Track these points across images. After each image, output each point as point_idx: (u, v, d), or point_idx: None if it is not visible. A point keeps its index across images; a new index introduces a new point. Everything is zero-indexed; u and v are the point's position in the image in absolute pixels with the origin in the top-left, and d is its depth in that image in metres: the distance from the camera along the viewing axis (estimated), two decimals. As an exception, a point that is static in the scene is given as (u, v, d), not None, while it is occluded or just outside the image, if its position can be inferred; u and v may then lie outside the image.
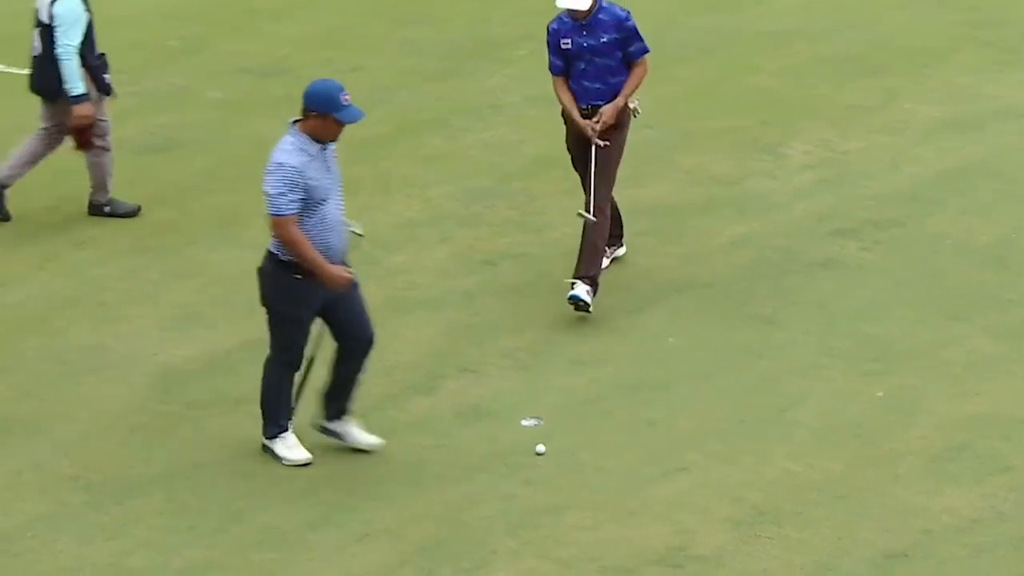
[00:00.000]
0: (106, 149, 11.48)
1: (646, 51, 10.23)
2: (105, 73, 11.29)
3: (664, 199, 11.83)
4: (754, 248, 11.14)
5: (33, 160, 11.52)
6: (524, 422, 9.29)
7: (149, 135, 12.80)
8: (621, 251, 10.79)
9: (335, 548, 8.32)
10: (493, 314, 10.35)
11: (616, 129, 10.23)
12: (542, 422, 9.30)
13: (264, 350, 8.99)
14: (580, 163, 10.34)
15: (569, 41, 10.15)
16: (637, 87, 10.24)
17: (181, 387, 9.60)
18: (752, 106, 13.23)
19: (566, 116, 10.33)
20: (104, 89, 11.31)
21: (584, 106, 10.20)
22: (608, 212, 10.27)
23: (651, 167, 12.14)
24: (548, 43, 10.28)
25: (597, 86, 10.16)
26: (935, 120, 12.98)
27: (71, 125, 11.18)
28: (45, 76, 11.19)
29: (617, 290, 10.55)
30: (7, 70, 11.96)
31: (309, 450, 8.94)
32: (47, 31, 11.15)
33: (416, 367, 9.82)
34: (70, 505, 8.62)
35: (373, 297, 10.52)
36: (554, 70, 10.30)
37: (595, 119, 10.15)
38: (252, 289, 10.60)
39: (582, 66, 10.15)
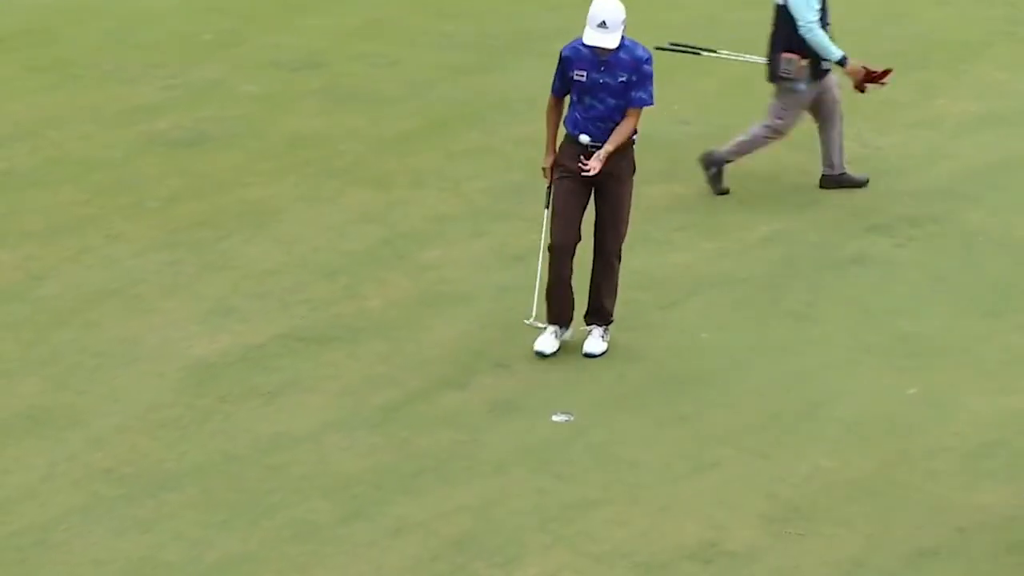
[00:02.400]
0: (773, 137, 11.62)
1: (648, 103, 9.65)
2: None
3: (699, 194, 11.84)
4: (789, 243, 11.14)
5: (750, 148, 11.68)
6: (555, 417, 9.32)
7: (183, 129, 12.86)
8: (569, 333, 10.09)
9: (367, 542, 8.36)
10: (526, 309, 10.36)
11: (625, 175, 9.71)
12: (573, 417, 9.32)
13: (296, 344, 9.02)
14: (569, 198, 9.68)
15: (584, 75, 9.61)
16: (624, 140, 9.61)
17: (214, 380, 9.65)
18: (788, 101, 13.20)
19: (564, 150, 9.75)
20: (822, 73, 11.48)
21: (596, 146, 9.63)
22: (620, 260, 9.81)
23: (687, 162, 12.14)
24: (557, 66, 9.73)
25: (607, 126, 9.62)
26: (971, 116, 12.96)
27: (855, 87, 11.47)
28: (772, 65, 11.46)
29: (651, 285, 10.57)
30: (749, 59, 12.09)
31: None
32: (781, 13, 11.35)
33: (449, 361, 9.84)
34: (104, 498, 8.67)
35: (406, 292, 10.61)
36: (556, 91, 9.77)
37: (585, 164, 9.58)
38: (285, 282, 10.69)
39: (596, 104, 9.61)
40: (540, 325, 10.01)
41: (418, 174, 12.13)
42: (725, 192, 11.73)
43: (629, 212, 9.81)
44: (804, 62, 11.38)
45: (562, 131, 9.83)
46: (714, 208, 11.61)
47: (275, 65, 14.01)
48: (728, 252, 11.05)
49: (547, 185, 9.92)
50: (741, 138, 11.75)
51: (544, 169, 9.90)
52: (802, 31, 11.28)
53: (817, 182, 11.93)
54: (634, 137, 9.74)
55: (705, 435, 9.15)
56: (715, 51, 12.23)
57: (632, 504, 8.61)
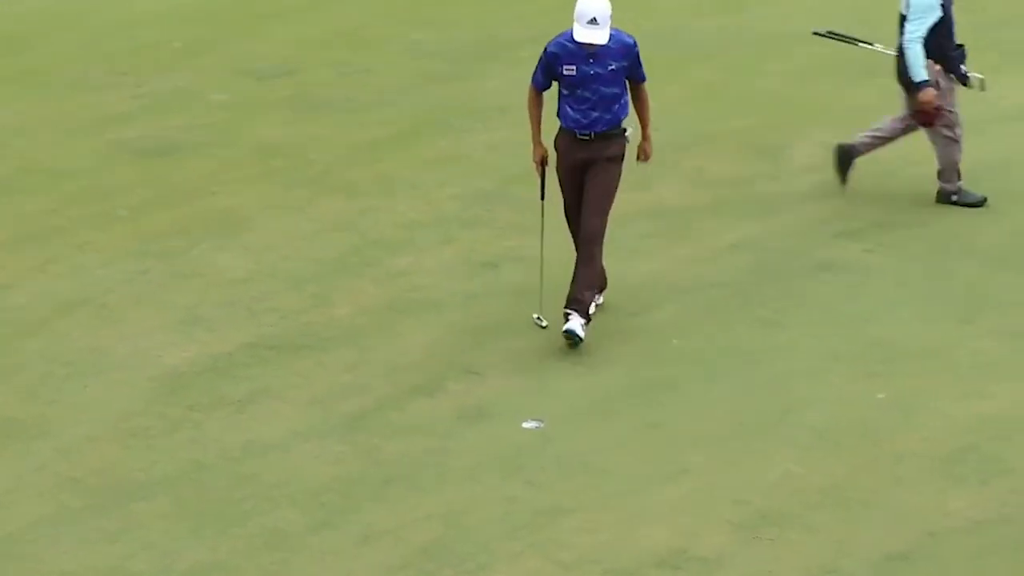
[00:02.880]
0: (954, 140, 11.55)
1: (645, 78, 10.04)
2: (962, 63, 11.42)
3: (669, 201, 11.85)
4: (758, 250, 11.15)
5: (883, 140, 11.68)
6: (525, 424, 9.31)
7: (152, 137, 12.82)
8: (601, 299, 10.39)
9: (337, 550, 8.34)
10: (495, 316, 10.36)
11: (614, 161, 10.01)
12: (543, 424, 9.31)
13: (266, 353, 9.01)
14: (573, 193, 10.03)
15: (573, 68, 9.82)
16: (649, 115, 10.11)
17: (184, 389, 9.62)
18: (757, 108, 13.24)
19: (559, 145, 10.07)
20: (961, 79, 11.42)
21: (587, 134, 9.93)
22: (602, 245, 9.98)
23: (656, 169, 12.11)
24: (541, 61, 9.92)
25: (606, 116, 9.90)
26: (940, 121, 12.96)
27: (914, 108, 11.38)
28: (900, 66, 11.40)
29: (621, 291, 10.56)
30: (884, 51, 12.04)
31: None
32: (903, 21, 11.32)
33: (419, 368, 9.83)
34: (72, 508, 8.63)
35: (375, 299, 10.59)
36: (538, 85, 10.00)
37: (643, 155, 10.21)
38: (254, 291, 10.66)
39: (588, 95, 9.85)
40: (544, 324, 10.10)
41: (388, 182, 12.11)
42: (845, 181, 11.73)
43: (614, 196, 10.02)
44: (937, 67, 11.41)
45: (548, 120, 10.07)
46: (684, 215, 11.61)
47: (245, 73, 13.98)
48: (698, 258, 11.05)
49: (539, 176, 10.16)
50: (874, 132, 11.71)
51: (535, 162, 10.13)
52: (905, 41, 11.31)
53: (785, 188, 11.95)
54: (627, 132, 10.03)
55: (675, 442, 9.15)
56: (870, 43, 12.27)
57: (602, 511, 8.60)
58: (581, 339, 9.91)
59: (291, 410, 9.42)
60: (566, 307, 9.95)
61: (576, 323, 9.90)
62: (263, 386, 9.63)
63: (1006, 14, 15.01)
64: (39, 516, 8.56)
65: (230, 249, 11.18)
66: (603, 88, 9.84)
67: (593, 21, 9.67)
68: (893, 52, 11.71)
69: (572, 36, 9.81)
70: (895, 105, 11.92)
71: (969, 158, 12.27)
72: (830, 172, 12.17)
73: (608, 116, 9.92)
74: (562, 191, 10.15)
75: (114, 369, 9.82)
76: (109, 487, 8.78)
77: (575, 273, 9.95)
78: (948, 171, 11.70)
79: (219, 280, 10.81)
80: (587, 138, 9.95)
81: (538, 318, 10.18)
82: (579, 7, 9.71)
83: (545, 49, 9.95)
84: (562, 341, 9.98)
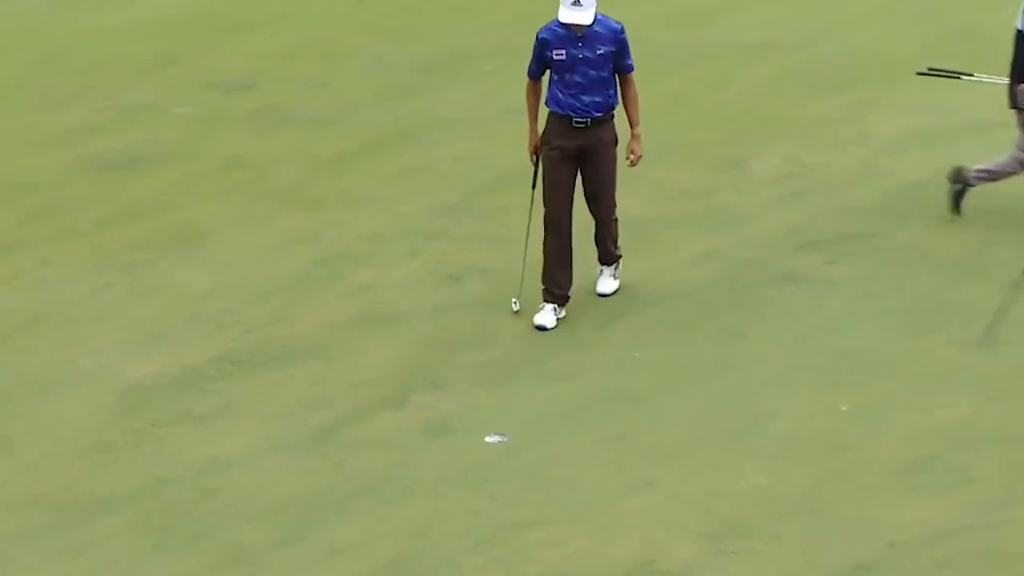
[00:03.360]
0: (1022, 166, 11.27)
1: (633, 68, 10.27)
2: None
3: (634, 213, 11.79)
4: (723, 261, 11.13)
5: (996, 176, 11.42)
6: (488, 438, 9.27)
7: (116, 151, 12.74)
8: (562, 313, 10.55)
9: (302, 565, 8.29)
10: (461, 329, 10.33)
11: (612, 145, 10.32)
12: (507, 438, 9.27)
13: (230, 367, 8.99)
14: (565, 181, 10.22)
15: (563, 52, 10.09)
16: (638, 107, 10.31)
17: (148, 404, 9.56)
18: (722, 120, 13.22)
19: (551, 132, 10.21)
20: None
21: (582, 120, 10.15)
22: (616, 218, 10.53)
23: (621, 181, 12.09)
24: (534, 49, 10.23)
25: (597, 100, 10.13)
26: (903, 132, 12.98)
27: None
28: (1012, 90, 11.19)
29: (585, 304, 10.54)
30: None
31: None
32: (1019, 40, 11.09)
33: (384, 382, 9.79)
34: (36, 524, 8.58)
35: (340, 313, 10.54)
36: (533, 74, 10.29)
37: (633, 155, 10.38)
38: (219, 305, 10.60)
39: (577, 79, 10.09)
40: (518, 308, 10.29)
41: (352, 195, 12.06)
42: (958, 212, 11.52)
43: (616, 178, 10.36)
44: None
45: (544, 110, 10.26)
46: (648, 227, 11.58)
47: (209, 87, 13.91)
48: (663, 270, 11.03)
49: (533, 167, 10.34)
50: (991, 166, 11.55)
51: (530, 151, 10.33)
52: None
53: (749, 200, 11.93)
54: (613, 111, 10.25)
55: (640, 454, 9.12)
56: (972, 75, 12.17)
57: (568, 524, 8.57)
58: (611, 294, 10.46)
59: (255, 424, 9.37)
60: (600, 261, 10.49)
61: (606, 284, 10.50)
62: (227, 400, 9.58)
63: (968, 25, 15.06)
64: (3, 532, 8.50)
65: (194, 263, 11.12)
66: (592, 72, 10.08)
67: (577, 2, 9.93)
68: (1003, 80, 11.51)
69: (559, 22, 10.07)
70: (859, 117, 11.93)
71: (928, 169, 12.30)
72: (794, 183, 12.16)
73: (600, 99, 10.14)
74: (548, 180, 10.24)
75: (78, 384, 9.76)
76: (73, 503, 8.72)
77: (599, 237, 10.46)
78: (981, 174, 11.51)
79: (183, 294, 10.75)
80: (584, 124, 10.15)
81: (515, 302, 10.28)
82: None
83: (536, 36, 10.22)
84: (528, 354, 9.97)
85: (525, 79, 10.34)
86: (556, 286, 10.28)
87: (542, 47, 10.16)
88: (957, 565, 8.28)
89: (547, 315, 10.23)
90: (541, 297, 10.28)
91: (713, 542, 8.43)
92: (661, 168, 12.41)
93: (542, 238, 10.34)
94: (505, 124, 12.79)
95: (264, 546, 8.41)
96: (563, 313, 10.33)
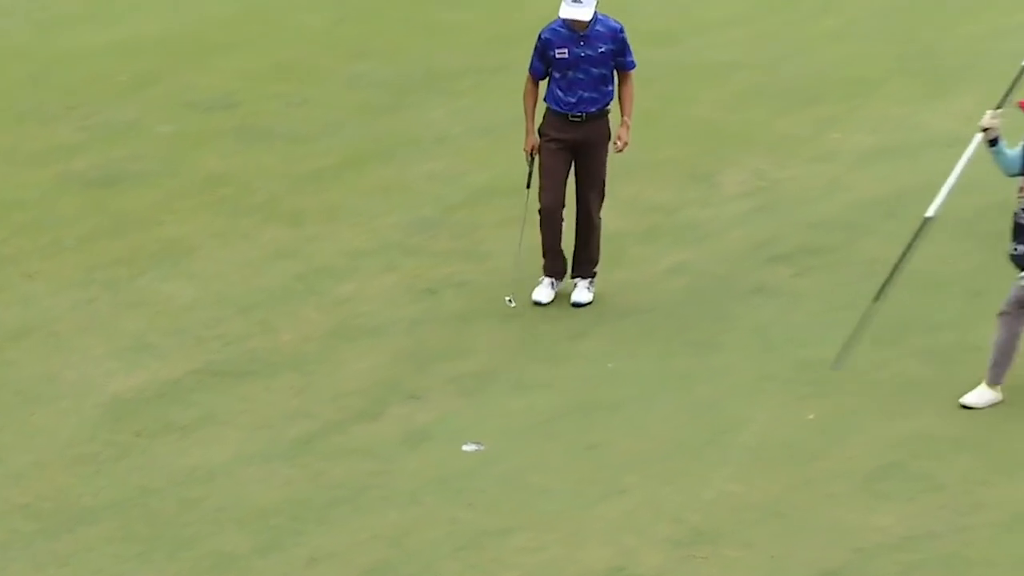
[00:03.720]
0: None
1: (634, 65, 10.56)
2: None
3: (606, 227, 11.88)
4: (692, 275, 11.24)
5: None
6: (465, 447, 9.36)
7: (100, 168, 12.80)
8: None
9: (284, 572, 8.35)
10: (437, 341, 10.42)
11: (604, 142, 10.60)
12: (484, 447, 9.36)
13: (212, 379, 9.05)
14: (559, 173, 10.49)
15: (565, 51, 10.36)
16: (633, 103, 10.61)
17: (131, 416, 9.62)
18: (690, 136, 13.33)
19: (548, 127, 10.46)
20: None
21: (579, 115, 10.44)
22: (601, 217, 10.71)
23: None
24: (536, 48, 10.48)
25: (593, 95, 10.44)
26: (867, 148, 13.11)
27: None
28: None
29: (558, 316, 10.64)
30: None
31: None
32: None
33: (363, 393, 9.87)
34: (22, 533, 8.62)
35: (320, 326, 10.62)
36: (535, 72, 10.53)
37: (619, 141, 10.59)
38: (201, 318, 10.67)
39: (579, 76, 10.39)
40: (513, 304, 10.50)
41: (331, 210, 12.14)
42: None
43: (606, 173, 10.65)
44: None
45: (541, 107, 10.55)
46: (619, 241, 11.68)
47: (190, 105, 13.97)
48: (633, 284, 11.13)
49: (528, 166, 10.59)
50: None
51: (526, 152, 10.57)
52: None
53: (717, 215, 12.04)
54: (608, 108, 10.55)
55: (613, 462, 9.22)
56: None
57: (543, 531, 8.65)
58: (586, 304, 10.56)
59: (237, 435, 9.44)
60: (572, 272, 10.61)
61: (581, 294, 10.59)
62: (210, 412, 9.65)
63: (929, 43, 15.20)
64: (-10, 541, 8.55)
65: (176, 277, 11.19)
66: (593, 69, 10.36)
67: (576, 0, 10.17)
68: None
69: (562, 21, 10.36)
70: (824, 134, 11.99)
71: (891, 184, 12.43)
72: (761, 198, 12.29)
73: (596, 96, 10.43)
74: (544, 170, 10.51)
75: (63, 396, 9.81)
76: (58, 512, 8.77)
77: (580, 242, 10.63)
78: None
79: (166, 308, 10.81)
80: (579, 119, 10.43)
81: (510, 300, 10.50)
82: None
83: (539, 36, 10.49)
84: (504, 366, 10.06)
85: (524, 81, 10.57)
86: (549, 271, 10.66)
87: (545, 46, 10.45)
88: (921, 570, 8.39)
89: (544, 290, 10.57)
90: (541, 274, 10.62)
91: (683, 548, 8.52)
92: (632, 184, 12.51)
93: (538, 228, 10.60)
94: (480, 141, 12.90)
95: (246, 554, 8.47)
96: (560, 286, 10.67)
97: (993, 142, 9.73)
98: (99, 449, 9.31)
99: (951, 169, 12.45)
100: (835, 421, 9.61)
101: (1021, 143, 9.68)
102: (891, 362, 10.20)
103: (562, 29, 10.42)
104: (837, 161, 12.91)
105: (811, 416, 9.63)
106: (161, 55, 15.03)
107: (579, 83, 10.41)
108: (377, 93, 14.23)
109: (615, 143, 10.69)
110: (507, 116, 12.52)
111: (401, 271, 11.31)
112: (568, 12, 10.30)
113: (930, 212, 9.82)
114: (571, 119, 10.45)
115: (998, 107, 9.79)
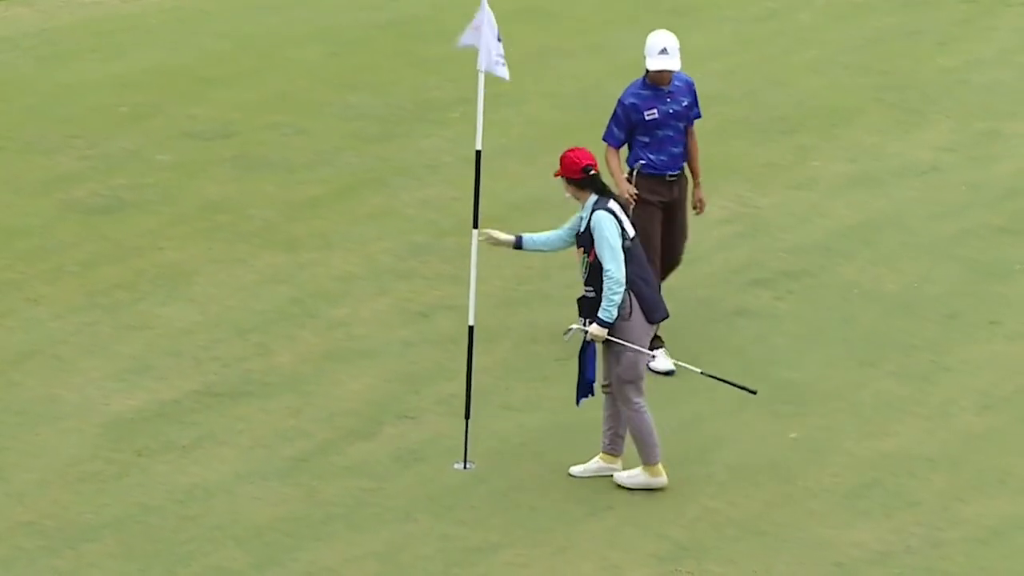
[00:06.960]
0: None
1: (700, 116, 10.40)
2: None
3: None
4: (677, 298, 11.19)
5: None
6: (456, 466, 9.33)
7: (101, 196, 12.79)
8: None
9: (279, 587, 8.32)
10: (429, 363, 10.40)
11: (684, 200, 10.38)
12: (474, 466, 9.33)
13: (210, 400, 9.00)
14: (655, 237, 10.11)
15: (655, 111, 10.08)
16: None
17: (132, 435, 9.58)
18: (673, 165, 13.32)
19: (645, 194, 10.08)
20: None
21: (674, 173, 10.17)
22: None
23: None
24: (618, 116, 10.09)
25: (680, 150, 10.22)
26: (844, 177, 13.14)
27: None
28: None
29: (547, 339, 10.62)
30: None
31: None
32: None
33: (356, 414, 9.84)
34: (25, 550, 8.58)
35: (314, 348, 10.59)
36: (615, 142, 10.18)
37: (700, 203, 10.42)
38: (199, 341, 10.64)
39: (669, 134, 10.12)
40: (568, 337, 9.62)
41: (325, 237, 12.13)
42: None
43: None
44: None
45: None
46: (606, 266, 11.66)
47: (188, 135, 13.97)
48: (619, 307, 11.09)
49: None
50: None
51: (629, 196, 10.01)
52: None
53: (700, 240, 12.03)
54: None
55: (599, 480, 9.19)
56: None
57: (532, 547, 8.63)
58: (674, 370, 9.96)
59: (235, 454, 9.40)
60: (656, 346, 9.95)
61: (664, 362, 10.04)
62: (208, 431, 9.61)
63: (905, 75, 15.25)
64: (-6, 558, 8.50)
65: (175, 301, 11.16)
66: (679, 124, 10.18)
67: (664, 51, 9.99)
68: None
69: (643, 83, 10.10)
70: (803, 162, 11.98)
71: (868, 211, 12.45)
72: (743, 224, 12.28)
73: (682, 150, 10.24)
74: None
75: (65, 417, 9.77)
76: (60, 529, 8.73)
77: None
78: None
79: (165, 331, 10.78)
80: (675, 178, 10.22)
81: (571, 332, 9.40)
82: (649, 41, 10.04)
83: (621, 103, 10.15)
84: (493, 387, 10.05)
85: (605, 149, 10.10)
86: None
87: (630, 112, 10.10)
88: (899, 584, 8.38)
89: (663, 360, 10.08)
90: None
91: (668, 563, 8.49)
92: (617, 211, 12.50)
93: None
94: (470, 169, 12.84)
95: (243, 569, 8.43)
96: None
97: (518, 244, 9.25)
98: (100, 468, 9.27)
99: (925, 196, 12.49)
100: (814, 440, 9.59)
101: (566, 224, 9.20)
102: (869, 382, 10.19)
103: (643, 91, 10.10)
104: (816, 189, 12.94)
105: (793, 435, 9.62)
106: (160, 87, 15.03)
107: (669, 140, 10.12)
108: (369, 123, 14.23)
109: (694, 207, 10.39)
110: (496, 145, 12.53)
111: (394, 295, 11.29)
112: (659, 63, 9.96)
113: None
114: (668, 179, 10.15)
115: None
